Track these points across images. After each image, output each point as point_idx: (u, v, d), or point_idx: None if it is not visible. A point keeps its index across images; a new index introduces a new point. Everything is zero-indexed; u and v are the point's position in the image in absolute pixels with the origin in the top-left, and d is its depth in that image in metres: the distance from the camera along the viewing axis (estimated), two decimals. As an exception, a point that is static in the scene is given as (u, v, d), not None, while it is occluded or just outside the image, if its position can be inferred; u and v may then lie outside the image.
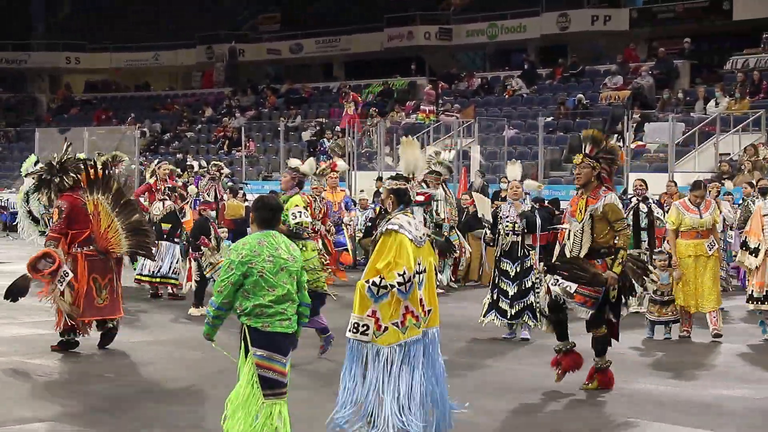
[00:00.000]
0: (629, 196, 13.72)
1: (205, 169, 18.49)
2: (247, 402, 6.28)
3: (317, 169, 16.33)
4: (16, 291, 10.44)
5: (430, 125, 26.87)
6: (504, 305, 11.28)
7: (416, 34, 34.68)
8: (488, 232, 11.68)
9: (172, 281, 14.60)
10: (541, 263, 10.89)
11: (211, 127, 34.02)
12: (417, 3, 35.68)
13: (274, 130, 30.01)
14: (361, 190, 21.78)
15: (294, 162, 11.49)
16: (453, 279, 16.16)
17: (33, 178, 11.40)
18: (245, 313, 6.28)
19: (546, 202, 15.96)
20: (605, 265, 8.73)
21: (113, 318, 10.61)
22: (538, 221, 11.37)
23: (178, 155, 29.84)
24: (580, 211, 8.83)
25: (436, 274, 13.66)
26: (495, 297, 11.38)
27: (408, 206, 7.01)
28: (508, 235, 11.36)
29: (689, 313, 11.68)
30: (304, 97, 34.23)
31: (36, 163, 14.54)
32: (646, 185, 13.68)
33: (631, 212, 13.01)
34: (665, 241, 12.85)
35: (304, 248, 9.85)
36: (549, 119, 25.71)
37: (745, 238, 11.73)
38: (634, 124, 23.38)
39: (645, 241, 13.08)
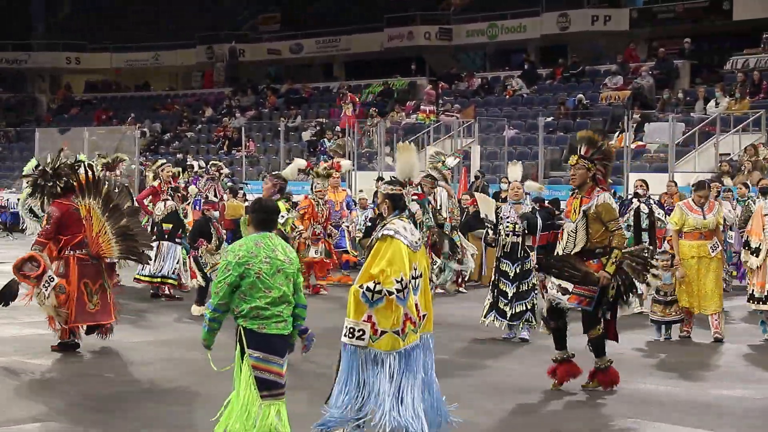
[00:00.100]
0: (630, 197, 13.71)
1: (204, 170, 18.48)
2: (245, 403, 6.28)
3: (321, 169, 16.23)
4: (9, 294, 10.48)
5: (430, 125, 26.85)
6: (503, 306, 11.27)
7: (416, 34, 34.63)
8: (490, 232, 11.67)
9: (171, 282, 14.59)
10: (535, 263, 10.92)
11: (211, 127, 33.98)
12: (417, 3, 35.64)
13: (275, 131, 30.01)
14: (360, 190, 21.76)
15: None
16: (461, 285, 15.70)
17: (28, 182, 11.46)
18: (241, 315, 6.28)
19: (546, 202, 15.95)
20: (600, 264, 8.74)
21: (105, 324, 10.64)
22: (539, 223, 11.37)
23: (178, 155, 29.78)
24: (575, 212, 8.86)
25: (440, 274, 13.67)
26: (495, 298, 11.38)
27: (403, 211, 7.02)
28: (508, 236, 11.35)
29: (691, 314, 11.67)
30: (304, 97, 34.22)
31: (37, 166, 14.55)
32: (647, 185, 13.67)
33: (632, 213, 13.01)
34: (665, 242, 12.85)
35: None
36: (549, 119, 25.69)
37: (747, 237, 11.74)
38: (634, 125, 23.37)
39: (646, 241, 13.06)
